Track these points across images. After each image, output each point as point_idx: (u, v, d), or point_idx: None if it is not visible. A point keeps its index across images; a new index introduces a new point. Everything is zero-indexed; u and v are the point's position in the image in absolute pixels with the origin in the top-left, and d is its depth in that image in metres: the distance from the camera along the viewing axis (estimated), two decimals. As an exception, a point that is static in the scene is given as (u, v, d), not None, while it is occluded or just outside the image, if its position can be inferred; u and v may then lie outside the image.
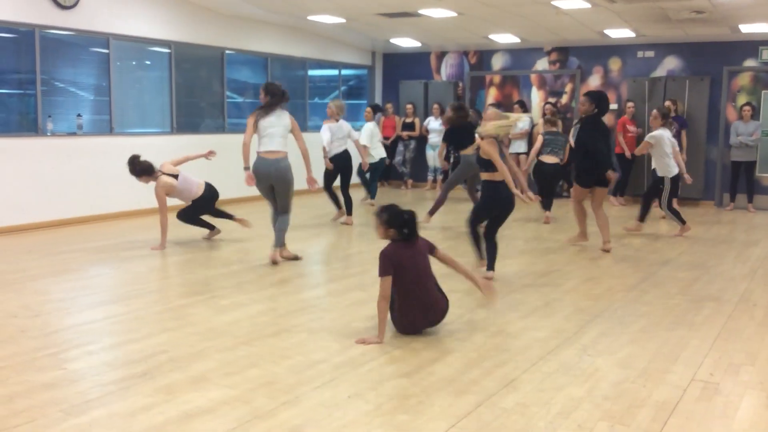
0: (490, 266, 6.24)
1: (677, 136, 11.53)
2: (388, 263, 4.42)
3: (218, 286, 5.89)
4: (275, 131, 6.62)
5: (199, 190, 7.63)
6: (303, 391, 3.68)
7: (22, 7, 8.50)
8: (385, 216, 4.55)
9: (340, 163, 9.38)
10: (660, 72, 12.45)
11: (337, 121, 9.39)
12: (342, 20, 11.79)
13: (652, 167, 9.02)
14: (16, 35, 8.78)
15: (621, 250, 7.82)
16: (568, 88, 13.30)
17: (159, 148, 10.01)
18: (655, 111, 8.82)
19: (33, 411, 3.38)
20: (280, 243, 6.79)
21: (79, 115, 9.34)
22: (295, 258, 6.92)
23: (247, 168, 6.56)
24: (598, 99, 7.44)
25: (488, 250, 6.27)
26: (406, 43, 13.95)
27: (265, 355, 4.24)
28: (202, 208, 7.72)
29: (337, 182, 9.50)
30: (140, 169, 7.33)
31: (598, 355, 4.31)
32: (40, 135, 8.86)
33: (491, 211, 6.23)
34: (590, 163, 7.39)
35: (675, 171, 8.66)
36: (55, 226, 8.75)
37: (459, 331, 4.74)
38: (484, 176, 6.21)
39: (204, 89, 11.39)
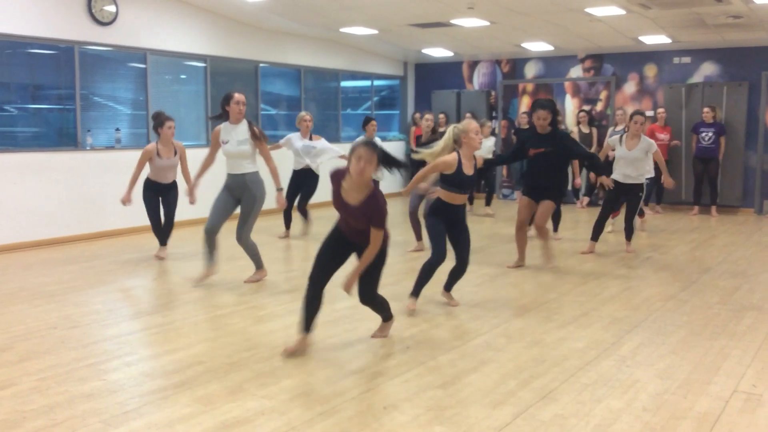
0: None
1: (715, 142, 11.38)
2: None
3: (254, 296, 5.93)
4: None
5: (171, 180, 7.59)
6: (338, 401, 3.68)
7: (61, 24, 8.70)
8: (381, 152, 4.20)
9: (300, 180, 8.99)
10: (697, 78, 12.28)
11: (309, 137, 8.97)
12: (374, 32, 11.84)
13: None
14: (56, 51, 8.97)
15: (659, 258, 7.70)
16: (603, 95, 13.18)
17: (195, 161, 10.11)
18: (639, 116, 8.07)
19: (73, 421, 3.43)
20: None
21: (117, 129, 9.51)
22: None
23: (280, 189, 6.44)
24: (555, 107, 6.98)
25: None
26: (438, 52, 13.95)
27: (300, 365, 4.25)
28: (166, 201, 7.59)
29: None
30: (156, 121, 7.53)
31: (637, 366, 4.24)
32: (80, 149, 9.03)
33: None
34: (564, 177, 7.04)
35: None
36: (94, 239, 8.89)
37: (495, 342, 4.70)
38: None
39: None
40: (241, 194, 6.26)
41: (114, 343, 4.74)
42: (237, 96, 6.24)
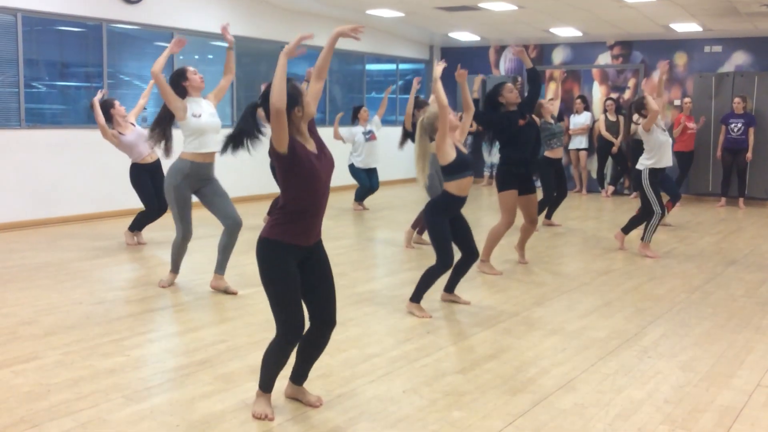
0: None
1: (744, 133, 11.19)
2: None
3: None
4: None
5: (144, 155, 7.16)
6: (358, 384, 3.69)
7: (90, 1, 8.74)
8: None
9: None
10: (728, 67, 12.07)
11: None
12: (401, 14, 11.77)
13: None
14: (84, 29, 9.03)
15: (685, 249, 7.62)
16: (631, 83, 13.01)
17: (220, 141, 10.16)
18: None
19: (97, 396, 3.48)
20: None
21: (144, 108, 9.56)
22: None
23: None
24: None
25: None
26: (464, 37, 13.85)
27: (321, 347, 4.27)
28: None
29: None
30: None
31: (659, 357, 4.21)
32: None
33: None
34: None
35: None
36: (121, 216, 8.98)
37: (515, 329, 4.69)
38: None
39: (263, 83, 11.52)
40: (206, 181, 5.48)
41: (138, 319, 4.80)
42: (191, 68, 5.56)
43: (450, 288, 5.31)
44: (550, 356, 4.21)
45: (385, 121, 14.11)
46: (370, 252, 7.63)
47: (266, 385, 3.31)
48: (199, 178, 5.41)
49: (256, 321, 4.76)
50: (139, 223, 7.29)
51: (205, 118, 5.41)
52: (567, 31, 12.64)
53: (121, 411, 3.31)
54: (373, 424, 3.23)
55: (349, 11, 11.82)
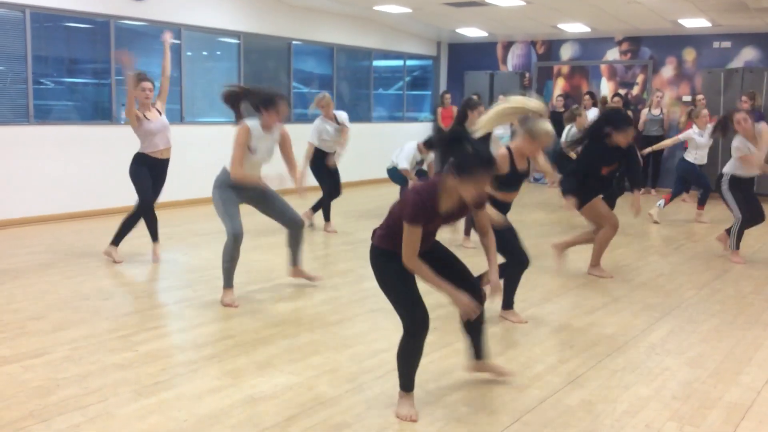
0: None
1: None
2: None
3: (282, 273, 5.96)
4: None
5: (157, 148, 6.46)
6: (365, 379, 3.70)
7: (98, -2, 8.77)
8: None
9: None
10: (737, 63, 12.01)
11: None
12: (408, 10, 11.75)
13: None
14: (92, 26, 9.05)
15: (693, 246, 7.60)
16: (640, 79, 12.96)
17: (227, 137, 10.15)
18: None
19: (105, 390, 3.50)
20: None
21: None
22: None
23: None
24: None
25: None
26: (472, 32, 13.82)
27: (327, 342, 4.28)
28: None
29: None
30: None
31: (667, 354, 4.20)
32: (114, 123, 9.13)
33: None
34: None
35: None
36: (128, 212, 8.99)
37: (522, 326, 4.69)
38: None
39: (271, 79, 11.53)
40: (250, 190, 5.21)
41: (146, 315, 4.82)
42: (281, 100, 5.03)
43: (508, 304, 4.89)
44: (558, 353, 4.21)
45: (393, 118, 14.15)
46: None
47: (407, 384, 3.34)
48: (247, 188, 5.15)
49: (263, 317, 4.77)
50: (124, 231, 6.45)
51: (259, 155, 5.10)
52: (575, 27, 12.60)
53: (129, 406, 3.33)
54: (379, 419, 3.24)
55: (356, 7, 11.81)
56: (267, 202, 5.26)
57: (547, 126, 4.63)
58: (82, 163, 8.69)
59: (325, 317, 4.81)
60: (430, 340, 4.33)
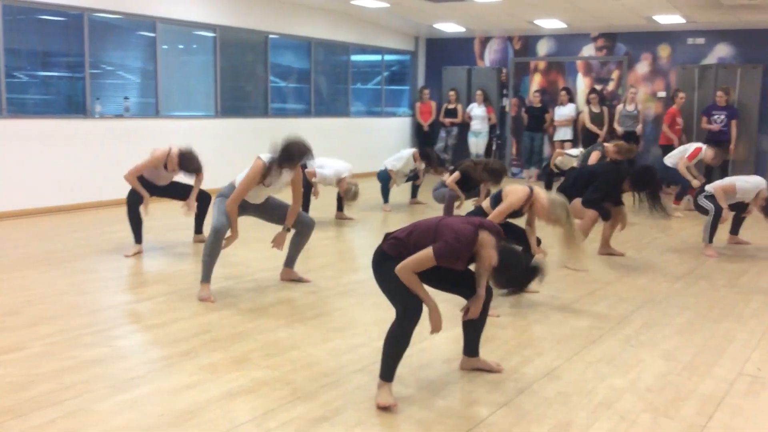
0: None
1: (726, 126, 11.29)
2: None
3: (260, 268, 5.95)
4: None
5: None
6: (343, 373, 3.70)
7: (72, -10, 8.66)
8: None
9: None
10: (710, 59, 12.15)
11: None
12: (386, 5, 11.75)
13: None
14: (65, 18, 8.94)
15: (667, 240, 7.69)
16: (615, 75, 13.07)
17: (203, 131, 10.14)
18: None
19: (81, 386, 3.47)
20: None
21: (126, 98, 9.49)
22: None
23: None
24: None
25: None
26: (449, 28, 13.85)
27: (305, 337, 4.28)
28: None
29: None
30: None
31: (641, 346, 4.25)
32: (89, 117, 9.03)
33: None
34: None
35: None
36: (102, 207, 8.92)
37: (499, 319, 4.71)
38: None
39: (248, 73, 11.48)
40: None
41: (121, 310, 4.78)
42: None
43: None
44: (534, 345, 4.24)
45: (371, 113, 14.14)
46: (354, 243, 7.65)
47: (388, 374, 3.38)
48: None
49: (240, 312, 4.75)
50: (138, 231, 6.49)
51: (271, 189, 5.25)
52: (551, 23, 12.67)
53: (105, 401, 3.31)
54: (357, 413, 3.24)
55: (334, 1, 11.78)
56: (269, 209, 5.36)
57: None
58: (56, 157, 8.59)
59: (304, 312, 4.80)
60: (408, 333, 4.36)
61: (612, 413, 3.30)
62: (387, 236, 3.56)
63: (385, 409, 3.26)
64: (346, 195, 8.06)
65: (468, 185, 7.97)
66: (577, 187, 6.59)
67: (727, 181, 7.08)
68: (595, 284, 5.72)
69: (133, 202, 6.37)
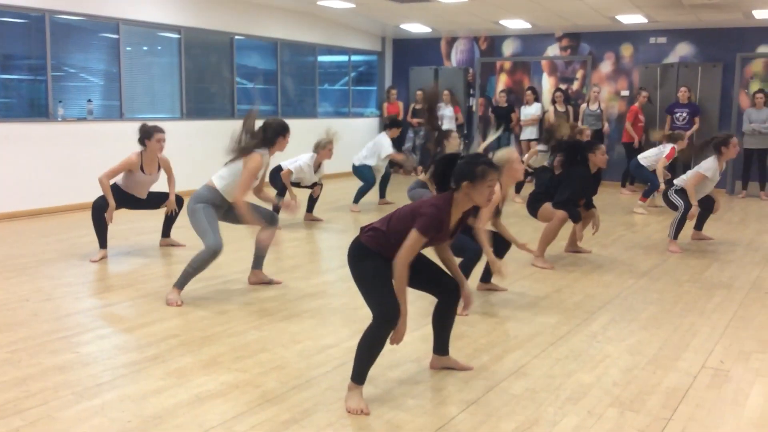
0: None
1: (689, 122, 11.50)
2: None
3: (228, 271, 5.91)
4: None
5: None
6: (313, 375, 3.70)
7: (32, -9, 8.52)
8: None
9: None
10: (672, 58, 12.36)
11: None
12: (351, 5, 11.75)
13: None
14: (27, 20, 8.79)
15: (631, 237, 7.80)
16: (579, 74, 13.23)
17: (168, 134, 9.96)
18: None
19: (46, 393, 3.41)
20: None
21: (89, 101, 9.36)
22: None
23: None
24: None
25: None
26: (416, 28, 13.89)
27: (275, 339, 4.26)
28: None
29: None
30: (142, 133, 6.44)
31: (608, 342, 4.31)
32: (51, 120, 8.89)
33: None
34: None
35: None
36: (66, 211, 8.79)
37: (468, 317, 4.74)
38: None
39: (214, 75, 11.39)
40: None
41: (87, 316, 4.71)
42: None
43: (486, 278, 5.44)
44: (503, 343, 4.28)
45: (339, 113, 14.13)
46: (324, 244, 7.63)
47: (360, 377, 3.34)
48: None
49: (209, 315, 4.72)
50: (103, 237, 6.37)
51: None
52: (516, 23, 12.78)
53: (70, 408, 3.26)
54: (328, 414, 3.24)
55: (299, 2, 11.75)
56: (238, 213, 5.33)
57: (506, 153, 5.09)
58: (18, 162, 8.44)
59: (273, 314, 4.78)
60: (378, 334, 4.36)
61: (579, 409, 3.34)
62: (364, 229, 3.51)
63: (355, 413, 3.25)
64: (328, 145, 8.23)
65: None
66: (550, 193, 6.51)
67: (692, 173, 7.16)
68: (562, 281, 5.78)
69: (99, 207, 6.27)
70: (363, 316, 4.72)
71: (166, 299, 4.95)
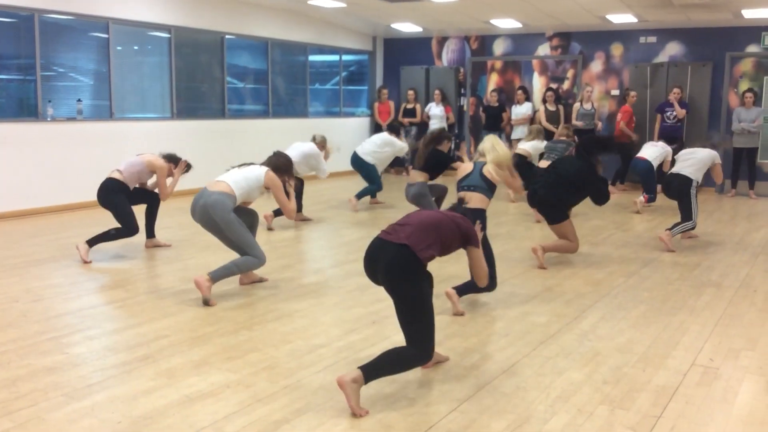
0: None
1: (680, 122, 11.54)
2: None
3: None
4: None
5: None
6: (304, 375, 3.69)
7: (21, -9, 8.47)
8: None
9: None
10: (662, 58, 12.40)
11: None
12: (342, 5, 11.73)
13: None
14: (15, 20, 8.74)
15: (622, 236, 7.83)
16: (570, 73, 13.26)
17: (158, 134, 10.01)
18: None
19: (35, 395, 3.40)
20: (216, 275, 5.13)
21: (79, 101, 9.32)
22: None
23: None
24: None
25: None
26: (407, 28, 13.89)
27: (266, 339, 4.26)
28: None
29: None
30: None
31: (598, 340, 4.32)
32: (41, 120, 8.84)
33: None
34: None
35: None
36: (56, 212, 8.75)
37: (460, 316, 4.75)
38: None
39: (204, 74, 11.36)
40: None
41: (77, 316, 4.69)
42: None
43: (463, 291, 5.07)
44: (494, 342, 4.28)
45: (330, 113, 14.12)
46: (314, 244, 7.63)
47: (372, 379, 3.34)
48: None
49: (199, 316, 4.71)
50: (102, 240, 6.38)
51: None
52: (507, 23, 12.80)
53: (60, 410, 3.25)
54: (318, 414, 3.24)
55: (290, 1, 11.73)
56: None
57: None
58: (7, 162, 8.39)
59: (263, 314, 4.78)
60: (369, 333, 4.38)
61: (570, 406, 3.35)
62: (410, 240, 3.46)
63: (360, 415, 3.22)
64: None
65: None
66: (561, 199, 6.45)
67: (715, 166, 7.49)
68: (553, 280, 5.80)
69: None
70: (355, 316, 4.73)
71: (197, 282, 4.94)
